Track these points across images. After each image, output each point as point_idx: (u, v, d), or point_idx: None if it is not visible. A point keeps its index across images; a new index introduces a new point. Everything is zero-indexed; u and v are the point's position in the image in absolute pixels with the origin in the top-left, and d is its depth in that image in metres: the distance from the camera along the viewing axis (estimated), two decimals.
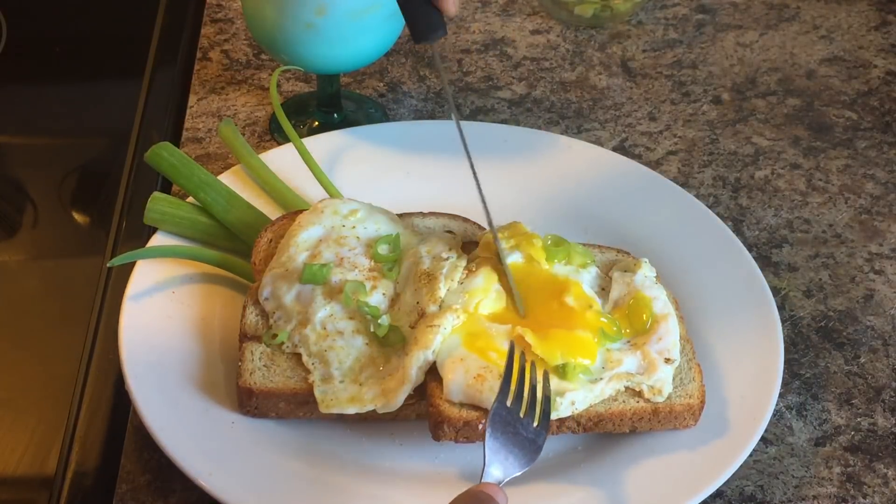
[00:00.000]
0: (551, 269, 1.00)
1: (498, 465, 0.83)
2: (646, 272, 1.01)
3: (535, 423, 0.87)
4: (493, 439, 0.84)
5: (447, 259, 0.99)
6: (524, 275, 0.99)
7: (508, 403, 0.86)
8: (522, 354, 0.90)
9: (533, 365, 0.90)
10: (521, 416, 0.86)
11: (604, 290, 1.01)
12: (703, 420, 0.95)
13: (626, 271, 1.01)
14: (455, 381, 0.91)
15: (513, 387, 0.87)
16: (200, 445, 0.91)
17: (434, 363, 0.93)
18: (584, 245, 1.04)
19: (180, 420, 0.93)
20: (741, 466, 0.92)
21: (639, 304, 0.98)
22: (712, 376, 0.97)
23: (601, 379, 0.93)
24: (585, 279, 1.00)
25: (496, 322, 0.95)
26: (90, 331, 1.05)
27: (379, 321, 0.95)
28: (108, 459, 0.96)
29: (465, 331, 0.94)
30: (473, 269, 0.99)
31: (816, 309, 1.11)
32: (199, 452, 0.90)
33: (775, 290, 1.08)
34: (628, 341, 0.97)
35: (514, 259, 1.00)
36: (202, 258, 1.05)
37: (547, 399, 0.89)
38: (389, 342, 0.95)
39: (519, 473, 0.84)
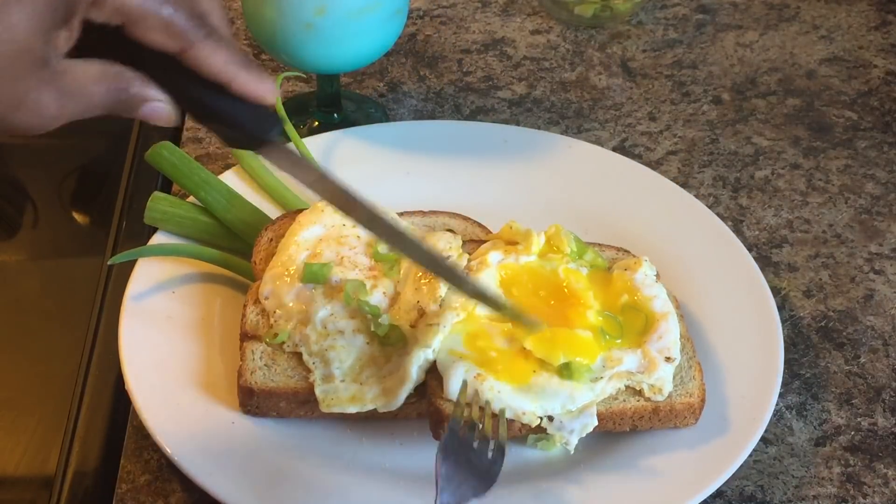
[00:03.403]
0: (558, 267, 1.00)
1: (451, 493, 0.82)
2: (646, 270, 1.01)
3: (490, 454, 0.87)
4: (445, 467, 0.84)
5: (448, 258, 0.99)
6: (524, 274, 0.99)
7: (460, 433, 0.86)
8: (476, 393, 0.90)
9: (488, 404, 0.90)
10: (474, 446, 0.86)
11: None
12: (703, 420, 0.95)
13: (626, 270, 1.01)
14: (455, 379, 0.91)
15: (464, 416, 0.87)
16: (200, 445, 0.91)
17: (435, 362, 0.93)
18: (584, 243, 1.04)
19: (180, 420, 0.92)
20: (741, 466, 0.92)
21: (638, 302, 0.98)
22: (713, 376, 0.97)
23: (601, 378, 0.93)
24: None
25: (496, 321, 0.95)
26: (90, 331, 1.05)
27: (379, 320, 0.95)
28: (108, 459, 0.96)
29: (465, 330, 0.94)
30: (474, 269, 0.99)
31: (816, 309, 1.11)
32: (199, 452, 0.90)
33: (775, 290, 1.08)
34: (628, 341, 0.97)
35: (511, 260, 1.00)
36: (203, 257, 1.05)
37: (502, 429, 0.88)
38: (390, 341, 0.95)
39: (473, 501, 0.83)
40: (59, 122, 0.71)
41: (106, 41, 0.72)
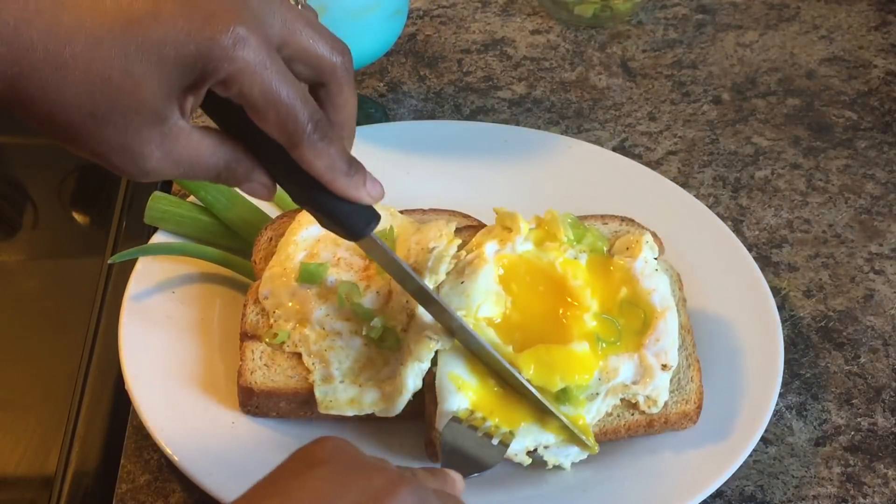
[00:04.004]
0: (556, 259, 0.98)
1: (454, 466, 0.82)
2: (646, 255, 0.99)
3: (495, 441, 0.88)
4: (447, 445, 0.85)
5: (433, 249, 0.97)
6: (522, 267, 0.98)
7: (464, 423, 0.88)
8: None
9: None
10: (478, 434, 0.87)
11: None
12: (703, 420, 0.94)
13: (627, 249, 1.00)
14: (448, 412, 0.89)
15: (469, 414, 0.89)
16: (200, 445, 0.91)
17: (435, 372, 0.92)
18: (587, 216, 1.04)
19: (180, 420, 0.92)
20: (741, 466, 0.92)
21: (637, 296, 0.97)
22: (712, 376, 0.97)
23: (598, 394, 0.92)
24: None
25: (497, 330, 0.94)
26: (90, 331, 1.05)
27: (371, 323, 0.95)
28: (108, 459, 0.96)
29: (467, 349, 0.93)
30: (470, 263, 0.97)
31: (816, 309, 1.11)
32: (199, 452, 0.90)
33: (775, 290, 1.08)
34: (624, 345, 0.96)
35: (507, 250, 0.99)
36: (203, 256, 1.05)
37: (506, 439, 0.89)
38: (385, 344, 0.94)
39: (476, 475, 0.85)
40: (155, 177, 0.72)
41: (227, 110, 0.73)
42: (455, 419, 0.88)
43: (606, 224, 1.05)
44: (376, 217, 0.81)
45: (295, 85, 0.71)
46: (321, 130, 0.73)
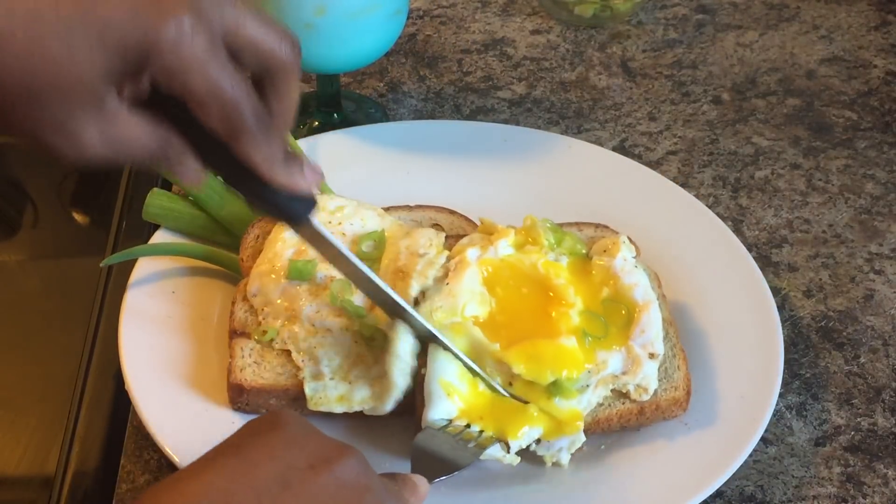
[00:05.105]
0: (538, 261, 0.98)
1: (423, 470, 0.82)
2: (625, 254, 0.99)
3: (470, 445, 0.88)
4: (418, 450, 0.85)
5: (423, 255, 0.98)
6: (506, 270, 0.98)
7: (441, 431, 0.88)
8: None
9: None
10: (454, 441, 0.87)
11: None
12: (703, 420, 0.95)
13: (605, 251, 1.00)
14: (433, 419, 0.89)
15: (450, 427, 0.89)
16: (200, 445, 0.90)
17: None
18: (561, 224, 1.04)
19: (180, 420, 0.92)
20: (741, 466, 0.92)
21: (619, 293, 0.97)
22: (712, 376, 0.97)
23: (588, 386, 0.92)
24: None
25: (484, 329, 0.94)
26: (90, 331, 1.05)
27: (364, 320, 0.95)
28: (108, 459, 0.96)
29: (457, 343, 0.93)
30: (453, 268, 0.97)
31: (816, 309, 1.11)
32: (199, 452, 0.90)
33: (775, 290, 1.08)
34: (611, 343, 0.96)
35: (490, 255, 0.99)
36: (192, 254, 1.05)
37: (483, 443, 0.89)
38: (376, 343, 0.94)
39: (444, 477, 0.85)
40: (89, 158, 0.72)
41: (169, 101, 0.73)
42: (430, 428, 0.88)
43: (581, 230, 1.05)
44: (314, 203, 0.81)
45: (239, 79, 0.72)
46: (262, 124, 0.74)
